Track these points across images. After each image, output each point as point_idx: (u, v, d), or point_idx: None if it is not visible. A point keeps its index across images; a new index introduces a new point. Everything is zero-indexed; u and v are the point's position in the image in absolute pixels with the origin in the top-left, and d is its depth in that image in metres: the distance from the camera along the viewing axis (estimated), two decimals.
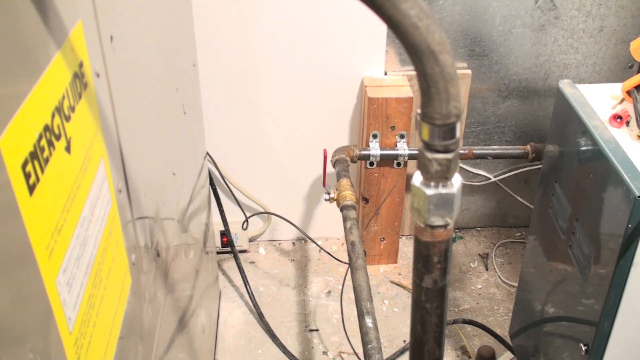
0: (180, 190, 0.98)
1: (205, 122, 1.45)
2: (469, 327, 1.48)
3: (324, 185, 1.50)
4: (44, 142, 0.40)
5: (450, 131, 0.43)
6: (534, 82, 1.58)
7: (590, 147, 0.94)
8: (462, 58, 1.53)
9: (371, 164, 1.51)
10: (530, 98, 1.60)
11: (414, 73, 0.45)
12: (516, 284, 1.51)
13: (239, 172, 1.62)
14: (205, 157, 1.40)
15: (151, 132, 0.77)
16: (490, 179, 1.70)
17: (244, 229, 1.58)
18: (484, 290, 1.60)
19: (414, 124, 1.47)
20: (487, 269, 1.67)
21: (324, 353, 1.44)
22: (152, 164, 0.76)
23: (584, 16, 1.49)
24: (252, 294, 1.53)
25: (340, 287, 1.56)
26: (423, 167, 0.45)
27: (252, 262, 1.69)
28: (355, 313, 1.05)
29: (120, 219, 0.58)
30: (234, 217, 1.60)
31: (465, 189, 1.71)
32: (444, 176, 0.45)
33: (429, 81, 0.40)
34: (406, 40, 0.39)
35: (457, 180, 0.46)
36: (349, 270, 1.13)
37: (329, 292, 1.59)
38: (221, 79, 1.50)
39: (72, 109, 0.46)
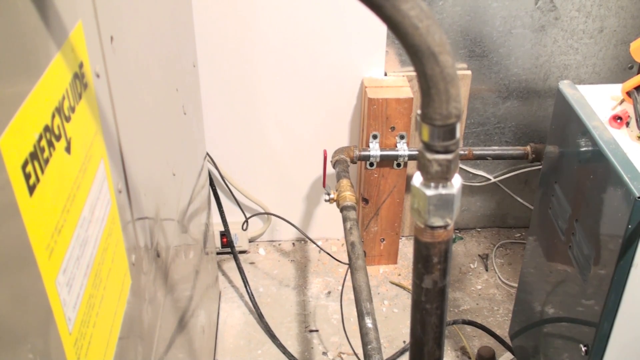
0: (180, 191, 0.98)
1: (205, 122, 1.45)
2: (468, 328, 1.48)
3: (323, 185, 1.50)
4: (44, 143, 0.40)
5: (450, 132, 0.43)
6: (534, 82, 1.58)
7: (590, 148, 0.94)
8: (462, 59, 1.53)
9: (371, 164, 1.51)
10: (530, 99, 1.60)
11: (414, 74, 0.45)
12: (516, 285, 1.51)
13: (239, 173, 1.62)
14: (205, 157, 1.40)
15: (151, 133, 0.77)
16: (490, 179, 1.70)
17: (244, 230, 1.58)
18: (484, 291, 1.60)
19: (414, 125, 1.47)
20: (487, 270, 1.66)
21: (324, 353, 1.44)
22: (152, 164, 0.76)
23: (584, 17, 1.49)
24: (252, 295, 1.53)
25: (340, 287, 1.56)
26: (423, 167, 0.45)
27: (252, 263, 1.69)
28: (355, 314, 1.05)
29: (120, 220, 0.58)
30: (234, 217, 1.60)
31: (465, 190, 1.71)
32: (444, 177, 0.45)
33: (429, 82, 0.40)
34: (406, 41, 0.39)
35: (457, 181, 0.46)
36: (349, 270, 1.13)
37: (329, 292, 1.59)
38: (221, 79, 1.50)
39: (72, 109, 0.46)
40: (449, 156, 0.44)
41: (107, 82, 0.55)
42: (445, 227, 0.47)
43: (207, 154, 1.47)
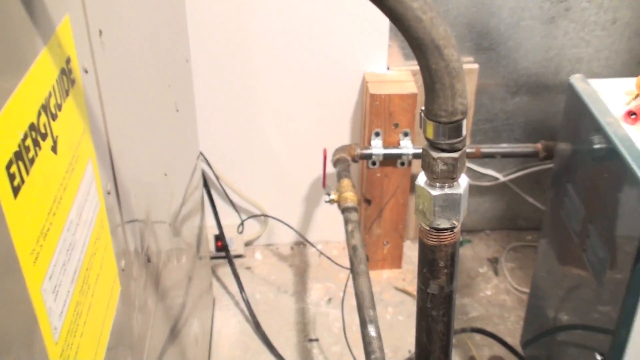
0: (172, 192, 0.98)
1: (199, 120, 1.45)
2: (478, 336, 1.49)
3: (323, 186, 1.50)
4: (29, 142, 0.40)
5: (456, 129, 0.43)
6: (544, 77, 1.58)
7: (603, 145, 0.94)
8: (469, 52, 1.53)
9: (373, 163, 1.51)
10: (540, 94, 1.60)
11: (418, 68, 0.45)
12: (528, 290, 1.51)
13: (234, 173, 1.63)
14: (199, 157, 1.40)
15: (142, 131, 0.77)
16: (499, 179, 1.70)
17: (240, 233, 1.58)
18: (494, 297, 1.60)
19: (419, 122, 1.48)
20: (496, 274, 1.67)
21: None
22: (142, 164, 0.77)
23: (596, 8, 1.50)
24: (248, 302, 1.53)
25: (341, 294, 1.56)
26: (428, 166, 0.45)
27: (248, 268, 1.69)
28: (358, 321, 1.05)
29: (109, 223, 0.58)
30: (229, 220, 1.61)
31: (473, 190, 1.71)
32: (450, 176, 0.45)
33: (433, 77, 0.40)
34: (409, 34, 0.39)
35: (463, 181, 0.46)
36: (351, 276, 1.13)
37: (330, 299, 1.59)
38: (215, 75, 1.50)
39: (59, 107, 0.46)
40: (455, 154, 0.44)
41: (95, 78, 0.56)
42: (451, 229, 0.47)
43: (201, 153, 1.47)
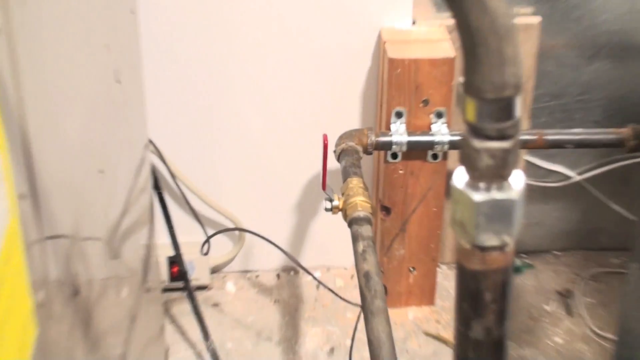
0: (110, 196, 0.99)
1: (148, 95, 1.45)
2: None
3: (323, 188, 1.51)
4: None
5: (506, 108, 0.44)
6: (631, 35, 1.58)
7: None
8: (526, 0, 1.54)
9: (394, 155, 1.52)
10: (627, 59, 1.60)
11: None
12: (613, 337, 1.51)
13: (197, 170, 1.63)
14: (147, 146, 1.40)
15: (69, 112, 0.78)
16: (571, 178, 1.71)
17: (204, 254, 1.58)
18: (567, 346, 1.60)
19: (456, 98, 1.48)
20: (570, 314, 1.67)
21: None
22: (70, 157, 0.77)
23: None
24: (216, 353, 1.53)
25: (348, 341, 1.57)
26: (468, 160, 0.46)
27: (215, 305, 1.69)
28: None
29: (23, 239, 0.58)
30: (190, 236, 1.61)
31: (534, 193, 1.72)
32: (498, 174, 0.46)
33: (474, 37, 0.41)
34: None
35: (518, 180, 0.47)
36: (362, 315, 1.14)
37: (332, 349, 1.60)
38: (172, 33, 1.50)
39: None
40: (505, 144, 0.45)
41: (9, 39, 0.56)
42: (502, 248, 0.48)
43: (150, 141, 1.48)
